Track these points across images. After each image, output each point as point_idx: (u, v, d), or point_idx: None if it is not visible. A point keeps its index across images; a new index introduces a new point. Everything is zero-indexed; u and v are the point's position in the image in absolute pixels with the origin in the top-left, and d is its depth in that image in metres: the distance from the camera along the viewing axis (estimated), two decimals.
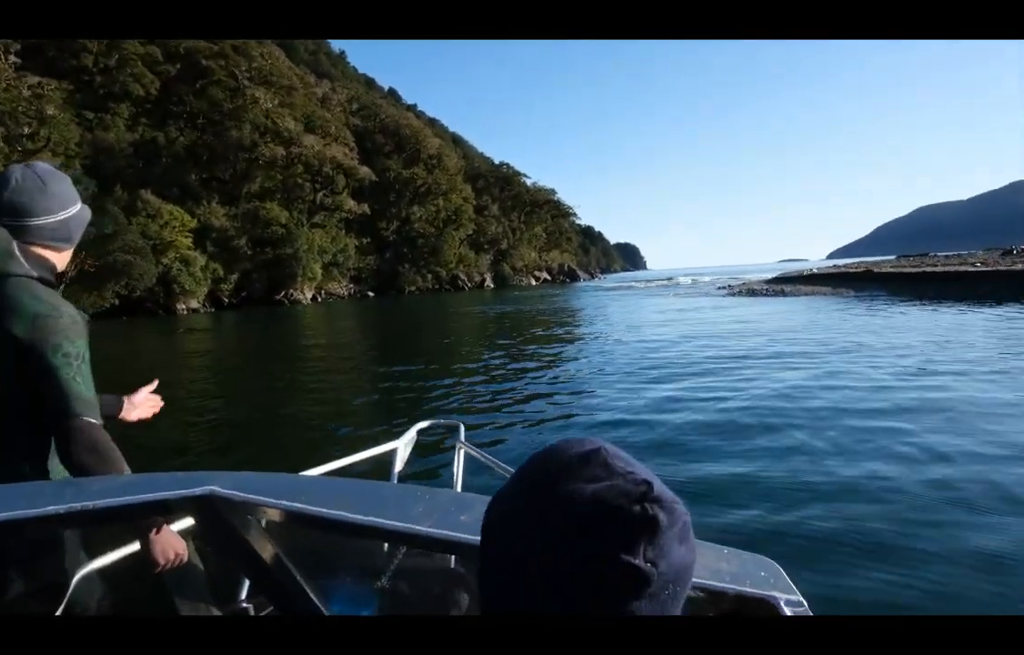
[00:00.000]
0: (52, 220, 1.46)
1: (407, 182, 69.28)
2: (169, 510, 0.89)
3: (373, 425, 7.27)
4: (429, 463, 4.54)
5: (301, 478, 1.04)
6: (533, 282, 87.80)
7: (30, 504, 0.81)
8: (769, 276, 50.86)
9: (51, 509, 0.80)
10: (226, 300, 45.06)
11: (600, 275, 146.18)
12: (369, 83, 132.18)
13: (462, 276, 73.48)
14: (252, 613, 1.38)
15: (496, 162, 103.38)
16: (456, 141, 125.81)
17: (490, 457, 2.15)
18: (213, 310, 42.61)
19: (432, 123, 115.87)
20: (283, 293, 48.73)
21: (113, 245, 35.70)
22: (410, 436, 2.26)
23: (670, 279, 76.75)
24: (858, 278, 30.32)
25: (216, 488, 0.81)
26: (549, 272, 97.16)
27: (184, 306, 41.17)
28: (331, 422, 7.65)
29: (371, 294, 60.30)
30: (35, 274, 1.41)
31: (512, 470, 2.42)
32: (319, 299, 52.92)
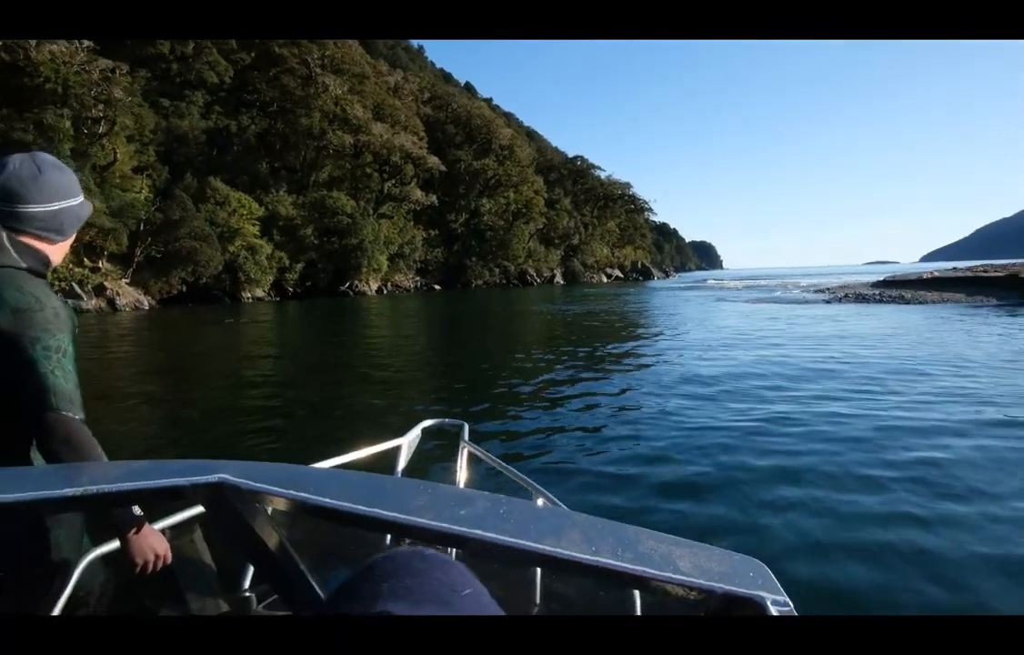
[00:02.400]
0: (43, 209, 1.46)
1: (477, 173, 67.54)
2: (180, 496, 0.89)
3: (398, 427, 5.82)
4: (433, 461, 4.36)
5: (308, 469, 1.02)
6: (604, 279, 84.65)
7: (42, 487, 0.83)
8: (864, 279, 45.67)
9: (66, 491, 0.81)
10: (291, 290, 44.49)
11: (675, 273, 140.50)
12: (446, 78, 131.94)
13: (531, 271, 71.28)
14: (255, 601, 1.37)
15: (570, 155, 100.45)
16: (530, 135, 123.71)
17: (493, 457, 2.15)
18: (278, 299, 42.08)
19: (507, 117, 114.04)
20: (348, 284, 47.87)
21: (180, 232, 35.50)
22: (415, 434, 2.26)
23: (753, 280, 71.76)
24: (998, 284, 25.40)
25: (227, 476, 0.83)
26: (621, 269, 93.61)
27: (249, 294, 40.75)
28: (361, 419, 7.46)
29: (437, 287, 59.08)
30: (23, 265, 1.41)
31: (514, 471, 2.12)
32: (384, 291, 51.92)
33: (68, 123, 29.39)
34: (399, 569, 0.40)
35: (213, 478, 0.82)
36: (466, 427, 2.34)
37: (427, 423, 2.39)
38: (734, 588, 0.71)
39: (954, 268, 38.08)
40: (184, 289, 37.31)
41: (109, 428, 6.72)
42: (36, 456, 1.41)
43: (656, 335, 15.71)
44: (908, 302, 24.06)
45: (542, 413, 7.53)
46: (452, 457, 2.21)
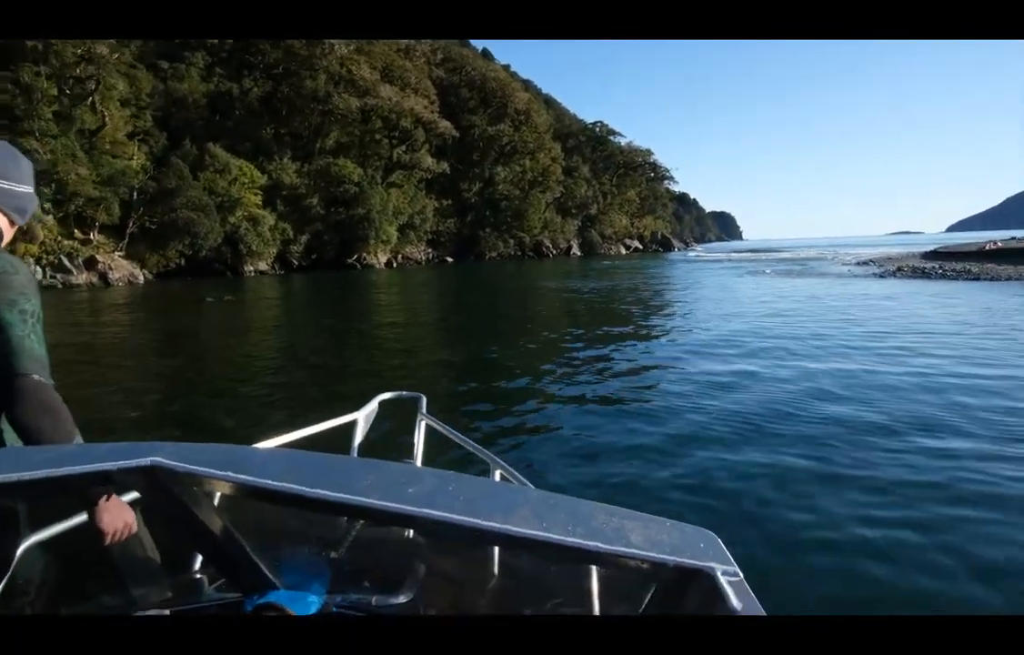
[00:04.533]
0: (18, 188, 1.52)
1: (492, 140, 64.70)
2: (111, 482, 0.88)
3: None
4: (391, 435, 3.68)
5: (249, 449, 1.01)
6: (623, 251, 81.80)
7: None
8: (896, 250, 42.53)
9: None
10: (295, 262, 42.54)
11: (695, 245, 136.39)
12: (463, 45, 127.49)
13: (547, 242, 68.74)
14: (206, 583, 1.33)
15: (589, 122, 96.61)
16: (548, 102, 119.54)
17: (451, 430, 2.14)
18: (282, 273, 40.21)
19: (524, 83, 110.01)
20: (356, 256, 45.78)
21: (176, 201, 33.56)
22: (371, 408, 2.23)
23: (780, 252, 68.53)
24: None
25: (160, 459, 0.80)
26: (640, 240, 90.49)
27: (252, 268, 38.86)
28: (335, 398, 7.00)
29: (450, 259, 56.90)
30: None
31: (473, 444, 2.09)
32: (394, 264, 49.84)
33: (45, 82, 27.23)
34: None
35: (145, 462, 0.78)
36: (424, 399, 2.27)
37: (384, 396, 2.33)
38: (685, 560, 0.72)
39: (1012, 237, 35.06)
40: (183, 262, 35.51)
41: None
42: (5, 426, 1.38)
43: (701, 332, 13.19)
44: (978, 277, 21.29)
45: (547, 406, 6.85)
46: (411, 431, 2.15)
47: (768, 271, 31.29)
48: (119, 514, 1.36)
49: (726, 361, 8.77)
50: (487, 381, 8.16)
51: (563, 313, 16.37)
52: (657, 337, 11.26)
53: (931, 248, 33.59)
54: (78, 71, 29.15)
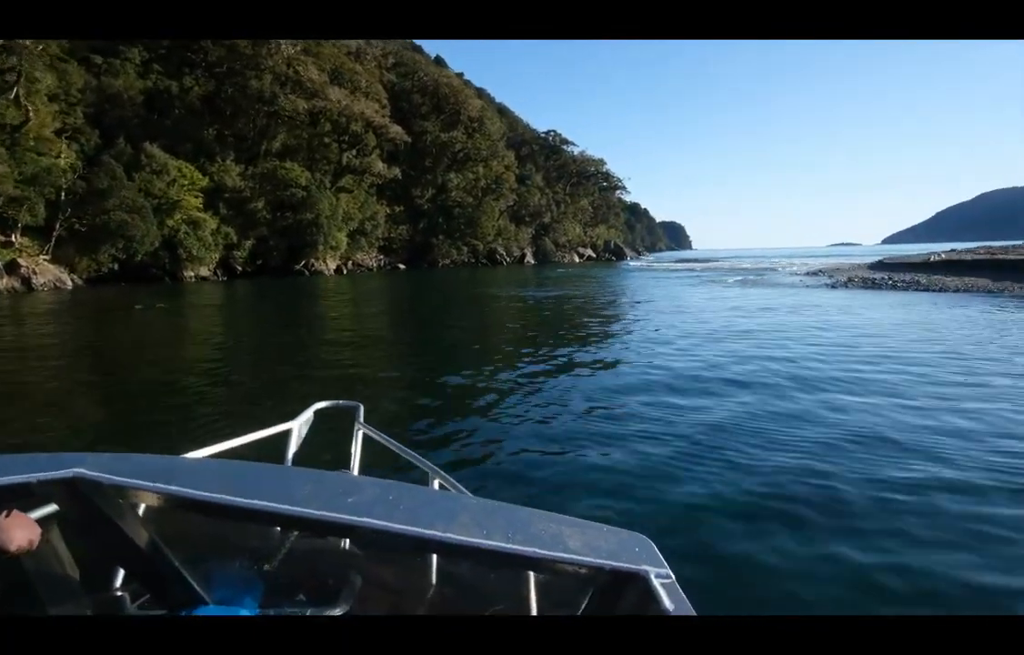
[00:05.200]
0: None
1: (445, 146, 64.07)
2: (30, 494, 0.82)
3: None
4: (327, 444, 3.32)
5: (178, 460, 0.98)
6: (576, 259, 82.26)
7: None
8: (836, 262, 43.76)
9: None
10: (240, 268, 40.83)
11: (646, 254, 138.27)
12: (415, 49, 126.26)
13: (500, 250, 68.45)
14: (128, 601, 1.23)
15: (542, 131, 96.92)
16: (502, 111, 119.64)
17: (389, 439, 2.08)
18: (225, 279, 38.50)
19: (478, 92, 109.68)
20: (303, 263, 44.34)
21: (107, 203, 31.66)
22: (306, 417, 2.16)
23: (730, 261, 69.98)
24: None
25: (83, 471, 0.78)
26: (594, 249, 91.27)
27: (192, 273, 37.10)
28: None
29: (402, 266, 55.90)
30: None
31: (411, 453, 1.97)
32: (344, 270, 48.51)
33: None
34: None
35: (67, 473, 0.75)
36: (361, 408, 2.21)
37: (320, 405, 2.26)
38: (620, 564, 0.74)
39: (952, 250, 36.65)
40: (116, 267, 33.53)
41: None
42: None
43: (667, 344, 12.91)
44: (927, 289, 21.80)
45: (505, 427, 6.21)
46: (348, 440, 2.10)
47: (729, 281, 31.67)
48: (20, 527, 1.15)
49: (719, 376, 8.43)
50: (433, 395, 7.71)
51: (516, 323, 15.96)
52: (619, 355, 10.84)
53: (875, 259, 34.64)
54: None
